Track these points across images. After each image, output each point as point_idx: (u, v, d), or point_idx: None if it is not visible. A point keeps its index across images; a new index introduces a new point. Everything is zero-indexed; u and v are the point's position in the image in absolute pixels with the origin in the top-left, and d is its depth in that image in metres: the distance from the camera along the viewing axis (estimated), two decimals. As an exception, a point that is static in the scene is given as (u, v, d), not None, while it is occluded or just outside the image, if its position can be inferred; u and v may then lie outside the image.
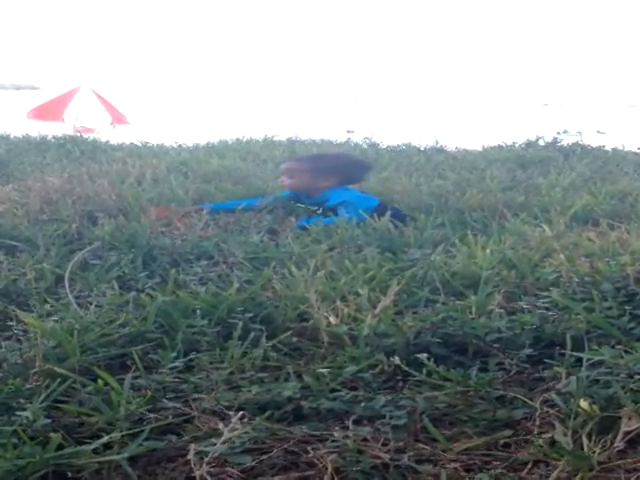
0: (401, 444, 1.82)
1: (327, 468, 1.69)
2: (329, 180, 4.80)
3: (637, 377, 2.02)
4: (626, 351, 2.18)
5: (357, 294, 2.74)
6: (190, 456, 1.66)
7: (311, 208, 4.70)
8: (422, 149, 8.42)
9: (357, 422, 1.92)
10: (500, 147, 8.55)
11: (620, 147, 8.46)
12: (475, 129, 15.81)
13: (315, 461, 1.75)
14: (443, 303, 2.71)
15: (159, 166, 6.08)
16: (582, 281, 2.88)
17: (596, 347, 2.24)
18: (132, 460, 1.76)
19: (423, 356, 2.17)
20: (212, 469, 1.69)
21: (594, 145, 8.45)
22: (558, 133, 8.82)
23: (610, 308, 2.57)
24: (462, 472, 1.73)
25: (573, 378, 2.01)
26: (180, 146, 8.48)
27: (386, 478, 1.69)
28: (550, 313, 2.58)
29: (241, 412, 1.87)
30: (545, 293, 2.81)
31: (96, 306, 2.67)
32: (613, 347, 2.24)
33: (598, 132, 15.00)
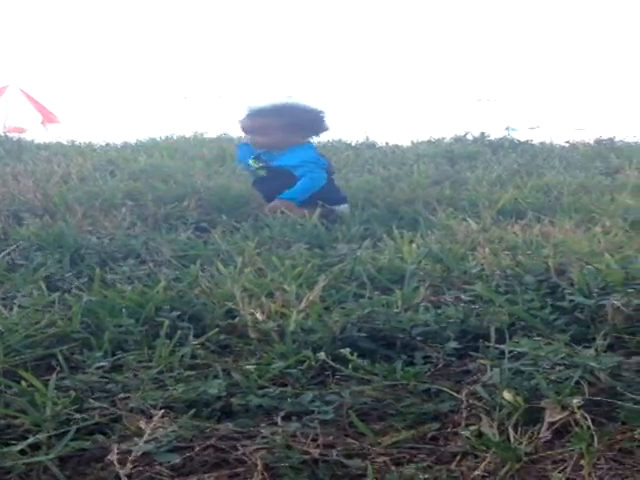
0: (330, 439, 1.83)
1: (257, 465, 1.69)
2: (300, 135, 4.79)
3: (558, 368, 2.06)
4: (548, 343, 2.22)
5: (284, 290, 2.75)
6: (112, 456, 1.65)
7: (255, 164, 4.71)
8: (352, 145, 8.46)
9: (286, 418, 1.93)
10: (429, 142, 8.64)
11: (548, 141, 8.60)
12: (407, 124, 15.87)
13: (244, 458, 1.74)
14: (370, 298, 2.73)
15: (85, 165, 6.03)
16: (505, 274, 2.93)
17: (518, 340, 2.28)
18: (62, 461, 1.74)
19: (346, 351, 2.18)
20: (142, 468, 1.68)
21: (523, 139, 8.58)
22: (507, 129, 8.94)
23: (532, 300, 2.62)
24: (391, 466, 1.73)
25: (496, 370, 2.04)
26: (108, 144, 8.41)
27: (315, 473, 1.69)
28: (475, 306, 2.62)
29: (163, 410, 1.87)
30: (470, 286, 2.85)
31: (21, 307, 2.64)
32: (533, 339, 2.27)
33: (531, 128, 15.17)
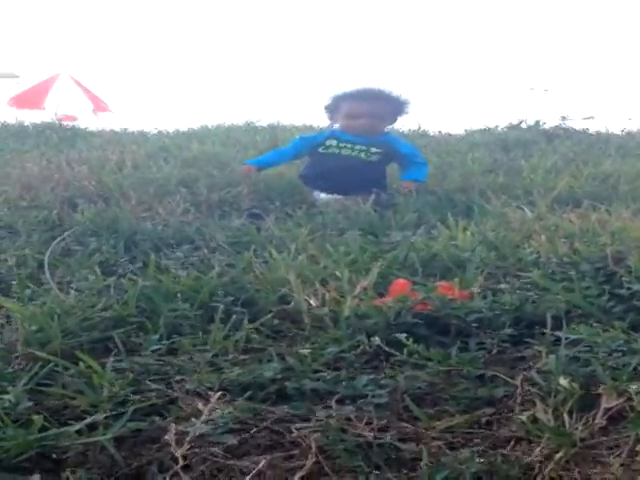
0: (384, 423, 1.82)
1: (311, 447, 1.69)
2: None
3: (615, 355, 2.03)
4: (605, 330, 2.20)
5: (338, 277, 2.75)
6: (169, 436, 1.66)
7: (359, 148, 4.80)
8: (405, 133, 8.43)
9: (340, 402, 1.93)
10: (482, 130, 8.58)
11: (604, 130, 8.50)
12: (459, 113, 15.77)
13: (299, 440, 1.75)
14: (424, 284, 2.72)
15: (138, 152, 6.08)
16: (561, 262, 2.89)
17: (575, 326, 2.26)
18: (118, 441, 1.76)
19: (402, 336, 2.18)
20: (197, 449, 1.69)
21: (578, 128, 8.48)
22: (563, 118, 8.83)
23: (589, 288, 2.58)
24: (445, 450, 1.73)
25: (553, 356, 2.02)
26: (160, 132, 8.48)
27: (370, 456, 1.69)
28: (530, 293, 2.59)
29: (220, 392, 1.88)
30: (526, 274, 2.82)
31: (77, 291, 2.67)
32: (591, 326, 2.25)
33: (585, 119, 14.95)
